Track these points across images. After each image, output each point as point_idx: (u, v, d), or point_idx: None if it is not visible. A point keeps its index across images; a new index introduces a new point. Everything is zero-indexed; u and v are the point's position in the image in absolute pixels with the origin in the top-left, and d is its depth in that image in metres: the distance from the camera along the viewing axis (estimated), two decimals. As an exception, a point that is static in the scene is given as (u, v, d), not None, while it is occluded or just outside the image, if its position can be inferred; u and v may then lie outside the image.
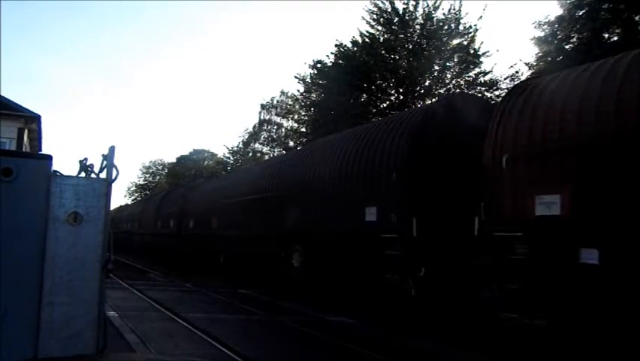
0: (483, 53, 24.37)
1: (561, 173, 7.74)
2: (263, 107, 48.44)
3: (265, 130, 48.11)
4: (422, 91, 25.32)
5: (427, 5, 24.69)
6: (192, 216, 23.55)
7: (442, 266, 9.81)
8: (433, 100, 25.12)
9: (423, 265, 9.84)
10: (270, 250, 15.04)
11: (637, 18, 18.81)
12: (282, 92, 46.31)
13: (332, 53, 26.48)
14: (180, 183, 49.21)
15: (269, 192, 15.80)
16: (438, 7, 24.58)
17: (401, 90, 25.60)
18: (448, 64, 25.00)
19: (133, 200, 65.25)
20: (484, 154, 8.82)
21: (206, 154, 62.71)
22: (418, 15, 24.89)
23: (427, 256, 9.93)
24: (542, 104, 8.27)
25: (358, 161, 11.91)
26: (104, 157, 3.26)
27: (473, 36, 24.29)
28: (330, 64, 26.64)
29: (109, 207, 3.24)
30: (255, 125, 49.00)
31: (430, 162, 10.28)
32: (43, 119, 21.50)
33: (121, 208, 47.58)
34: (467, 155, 9.45)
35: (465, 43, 24.53)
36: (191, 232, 23.09)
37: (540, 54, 21.73)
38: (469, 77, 24.97)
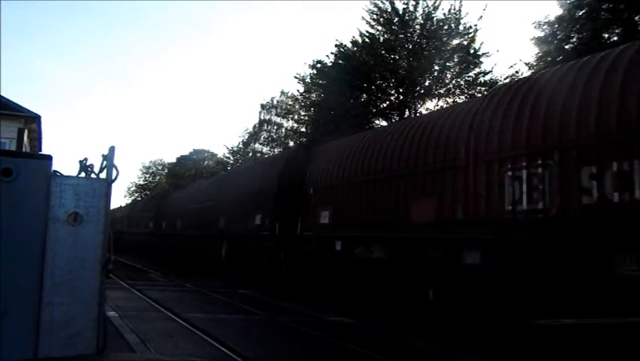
0: (483, 54, 24.37)
1: (329, 200, 13.70)
2: (263, 107, 48.48)
3: (265, 130, 48.10)
4: (422, 91, 25.32)
5: (427, 5, 24.72)
6: (165, 218, 28.90)
7: (290, 252, 15.10)
8: (433, 100, 25.22)
9: (282, 251, 15.35)
10: (211, 245, 20.59)
11: (637, 18, 18.81)
12: (282, 92, 46.32)
13: (332, 53, 26.47)
14: (180, 183, 49.22)
15: (211, 202, 21.63)
16: (438, 7, 24.60)
17: (401, 90, 25.60)
18: (448, 64, 24.99)
19: (133, 200, 65.35)
20: (305, 185, 14.88)
21: (206, 154, 62.68)
22: (417, 15, 24.89)
23: (284, 247, 15.30)
24: (323, 157, 14.70)
25: (253, 185, 18.14)
26: (104, 157, 3.26)
27: (473, 36, 24.28)
28: (330, 64, 26.62)
29: (109, 207, 3.25)
30: (255, 125, 49.03)
31: (288, 189, 15.67)
32: (43, 119, 21.51)
33: (115, 210, 48.08)
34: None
35: (465, 43, 24.52)
36: (164, 231, 28.43)
37: (540, 54, 21.72)
38: (469, 77, 24.97)
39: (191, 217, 23.77)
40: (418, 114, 23.94)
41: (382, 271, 10.83)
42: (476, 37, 24.26)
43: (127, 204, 53.89)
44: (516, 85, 9.06)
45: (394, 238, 10.68)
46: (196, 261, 21.87)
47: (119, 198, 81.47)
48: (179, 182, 51.80)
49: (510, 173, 8.18)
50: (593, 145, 7.04)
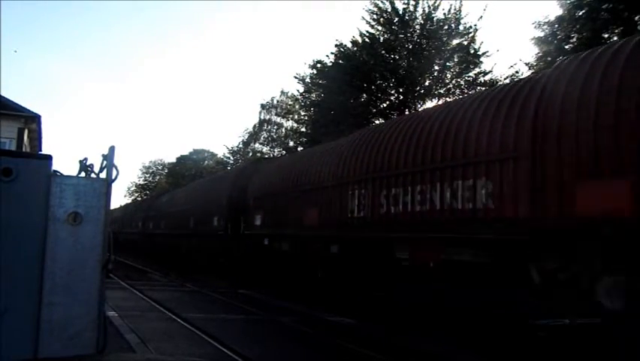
0: (483, 53, 24.34)
1: (261, 206, 17.04)
2: (263, 107, 48.45)
3: (265, 130, 48.06)
4: (422, 91, 25.31)
5: (428, 5, 24.70)
6: (152, 219, 32.39)
7: (239, 247, 18.27)
8: (433, 100, 25.21)
9: (235, 247, 18.41)
10: (184, 242, 24.57)
11: (637, 18, 18.81)
12: (282, 92, 46.30)
13: (332, 53, 26.47)
14: (180, 183, 49.21)
15: (185, 206, 25.28)
16: (437, 6, 24.59)
17: (401, 90, 25.58)
18: (448, 64, 24.98)
19: (133, 200, 65.37)
20: (247, 194, 18.37)
21: (206, 154, 62.65)
22: (417, 15, 24.88)
23: (234, 243, 18.47)
24: (260, 173, 18.58)
25: (213, 192, 21.84)
26: (104, 157, 3.26)
27: (473, 36, 24.26)
28: (330, 64, 26.61)
29: (109, 207, 3.24)
30: (255, 125, 49.00)
31: (237, 196, 18.99)
32: (43, 119, 21.45)
33: (113, 210, 48.67)
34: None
35: (465, 43, 24.50)
36: (151, 231, 32.24)
37: (540, 54, 21.71)
38: (469, 77, 24.96)
39: (172, 218, 27.43)
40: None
41: (288, 260, 14.87)
42: (476, 37, 24.28)
43: (125, 205, 54.10)
44: (371, 132, 13.15)
45: (294, 235, 14.61)
46: (175, 256, 25.37)
47: (119, 198, 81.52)
48: (179, 182, 51.79)
49: (350, 192, 12.21)
50: (385, 177, 10.95)
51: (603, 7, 19.00)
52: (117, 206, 53.21)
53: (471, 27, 24.22)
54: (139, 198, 62.49)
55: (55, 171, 3.15)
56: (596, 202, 6.54)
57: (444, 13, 24.48)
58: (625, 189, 6.27)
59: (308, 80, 28.66)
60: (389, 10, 25.02)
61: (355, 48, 25.87)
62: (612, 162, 6.52)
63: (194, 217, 22.98)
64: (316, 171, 14.19)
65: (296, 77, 28.85)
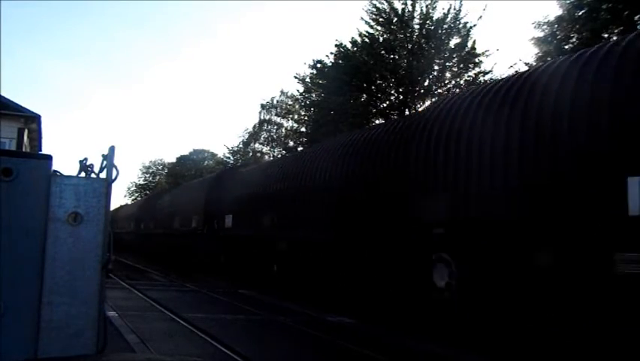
0: (482, 52, 24.32)
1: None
2: (263, 107, 48.43)
3: (265, 130, 48.05)
4: (422, 91, 25.29)
5: (426, 5, 24.66)
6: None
7: None
8: (433, 100, 25.18)
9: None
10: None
11: (637, 18, 18.81)
12: (282, 92, 46.28)
13: (332, 53, 26.48)
14: (180, 183, 49.22)
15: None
16: (435, 7, 24.54)
17: (401, 90, 25.58)
18: (447, 64, 24.96)
19: (133, 200, 65.35)
20: None
21: (206, 154, 62.64)
22: (416, 15, 24.87)
23: None
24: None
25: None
26: (104, 157, 3.25)
27: (467, 34, 24.17)
28: (330, 64, 26.62)
29: (109, 207, 3.24)
30: (255, 125, 48.97)
31: None
32: (43, 119, 21.49)
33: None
34: None
35: (464, 42, 24.47)
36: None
37: (540, 54, 21.72)
38: (469, 76, 24.93)
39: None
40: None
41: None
42: (472, 34, 24.18)
43: (141, 199, 53.59)
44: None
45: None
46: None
47: (120, 198, 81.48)
48: (179, 182, 51.75)
49: None
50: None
51: (603, 7, 19.01)
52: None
53: (467, 23, 24.13)
54: (138, 198, 62.47)
55: (55, 171, 3.15)
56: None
57: (444, 13, 24.49)
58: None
59: (308, 80, 28.68)
60: (387, 10, 25.02)
61: (355, 48, 25.87)
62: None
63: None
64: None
65: (296, 77, 28.90)
